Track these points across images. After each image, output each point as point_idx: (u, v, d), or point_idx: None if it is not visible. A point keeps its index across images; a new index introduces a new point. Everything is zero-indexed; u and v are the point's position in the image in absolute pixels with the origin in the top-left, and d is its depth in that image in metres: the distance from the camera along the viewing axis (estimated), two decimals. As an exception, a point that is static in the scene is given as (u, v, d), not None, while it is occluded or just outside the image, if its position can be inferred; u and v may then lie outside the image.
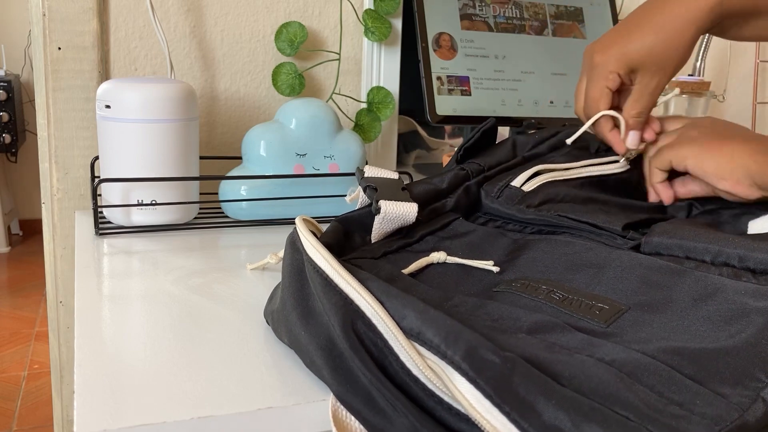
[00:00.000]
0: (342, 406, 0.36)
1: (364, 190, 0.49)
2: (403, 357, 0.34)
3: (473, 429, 0.31)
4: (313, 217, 0.73)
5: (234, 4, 0.84)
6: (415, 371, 0.33)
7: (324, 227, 0.46)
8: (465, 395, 0.31)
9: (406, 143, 1.09)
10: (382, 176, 0.51)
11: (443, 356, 0.32)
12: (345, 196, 0.74)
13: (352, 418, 0.35)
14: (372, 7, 0.87)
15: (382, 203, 0.47)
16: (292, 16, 0.87)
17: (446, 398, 0.33)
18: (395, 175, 0.52)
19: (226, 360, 0.42)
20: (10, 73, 2.89)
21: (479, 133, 0.60)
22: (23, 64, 3.11)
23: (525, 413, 0.29)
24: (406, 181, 0.55)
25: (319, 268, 0.38)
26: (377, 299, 0.36)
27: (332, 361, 0.36)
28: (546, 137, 0.64)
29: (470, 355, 0.31)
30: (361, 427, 0.35)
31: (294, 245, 0.41)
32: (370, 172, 0.51)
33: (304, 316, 0.39)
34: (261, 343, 0.45)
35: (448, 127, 1.13)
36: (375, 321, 0.35)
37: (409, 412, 0.33)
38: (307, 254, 0.39)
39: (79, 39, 0.77)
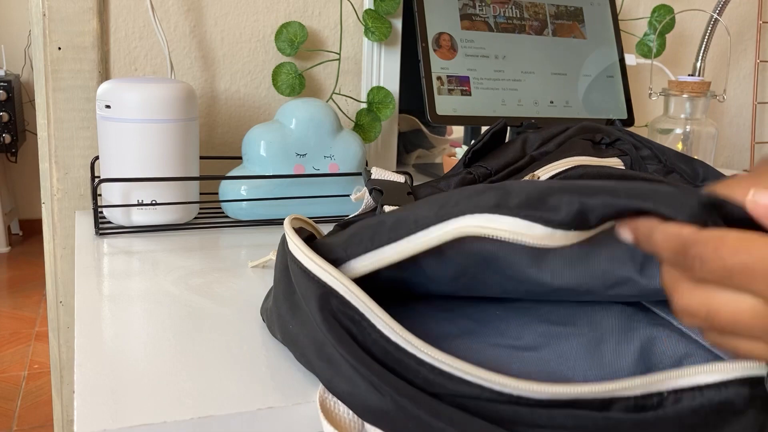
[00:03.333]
0: (329, 395, 0.36)
1: (370, 192, 0.49)
2: (380, 325, 0.34)
3: (457, 386, 0.32)
4: (313, 217, 0.73)
5: (234, 4, 0.84)
6: (393, 337, 0.34)
7: (322, 227, 0.46)
8: None
9: (407, 142, 1.09)
10: (388, 179, 0.51)
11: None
12: (345, 196, 0.74)
13: (340, 406, 0.36)
14: (372, 7, 0.87)
15: (387, 209, 0.47)
16: (292, 16, 0.87)
17: (427, 359, 0.33)
18: (402, 179, 0.52)
19: (226, 360, 0.42)
20: (10, 73, 2.89)
21: (489, 135, 0.59)
22: (23, 64, 3.11)
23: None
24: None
25: (297, 259, 0.38)
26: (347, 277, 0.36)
27: (317, 350, 0.37)
28: (555, 133, 0.63)
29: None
30: (348, 411, 0.35)
31: (282, 242, 0.42)
32: (377, 173, 0.51)
33: (291, 309, 0.40)
34: (261, 343, 0.45)
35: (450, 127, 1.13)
36: (348, 297, 0.36)
37: (392, 387, 0.33)
38: (288, 248, 0.40)
39: (79, 39, 0.77)
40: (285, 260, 0.41)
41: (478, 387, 0.32)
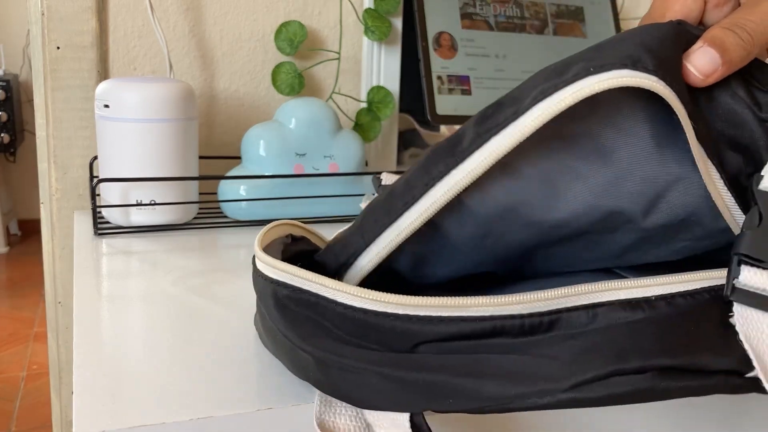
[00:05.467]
0: (326, 410, 0.35)
1: None
2: (335, 295, 0.32)
3: (435, 327, 0.31)
4: (313, 217, 0.73)
5: (233, 3, 0.84)
6: (357, 303, 0.32)
7: (322, 227, 0.46)
8: None
9: (405, 142, 1.09)
10: None
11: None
12: (345, 196, 0.74)
13: (339, 418, 0.35)
14: (372, 6, 0.87)
15: None
16: (292, 15, 0.86)
17: (401, 310, 0.31)
18: None
19: (226, 360, 0.42)
20: (8, 72, 2.89)
21: None
22: (22, 64, 3.10)
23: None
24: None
25: (255, 267, 0.37)
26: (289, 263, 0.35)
27: (294, 357, 0.35)
28: None
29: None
30: (349, 420, 0.34)
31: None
32: (387, 179, 0.51)
33: (264, 328, 0.39)
34: (260, 343, 0.44)
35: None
36: (294, 282, 0.34)
37: (365, 361, 0.32)
38: (254, 265, 0.39)
39: (78, 38, 0.76)
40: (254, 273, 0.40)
41: (458, 321, 0.31)
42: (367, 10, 0.87)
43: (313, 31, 0.88)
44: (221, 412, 0.36)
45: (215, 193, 0.73)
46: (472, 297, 0.31)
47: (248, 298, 0.52)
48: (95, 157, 0.73)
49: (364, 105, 0.90)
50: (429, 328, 0.31)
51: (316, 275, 0.33)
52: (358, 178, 0.75)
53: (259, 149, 0.71)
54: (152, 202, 0.67)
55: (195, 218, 0.72)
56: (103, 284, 0.54)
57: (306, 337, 0.34)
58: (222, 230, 0.71)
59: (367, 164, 0.79)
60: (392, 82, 0.91)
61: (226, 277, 0.56)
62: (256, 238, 0.38)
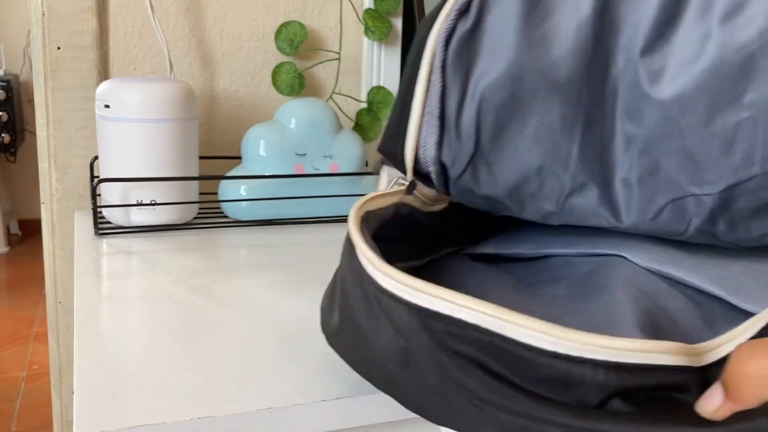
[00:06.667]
0: None
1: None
2: (516, 334, 0.27)
3: (634, 378, 0.27)
4: (313, 218, 0.73)
5: (233, 3, 0.84)
6: (547, 345, 0.26)
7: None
8: None
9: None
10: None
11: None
12: (345, 195, 0.74)
13: None
14: (372, 7, 0.87)
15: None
16: (292, 15, 0.87)
17: (600, 356, 0.26)
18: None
19: (226, 360, 0.42)
20: (9, 72, 2.88)
21: None
22: (22, 64, 3.10)
23: None
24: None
25: (383, 288, 0.31)
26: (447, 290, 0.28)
27: (439, 396, 0.29)
28: None
29: None
30: None
31: (349, 254, 0.34)
32: (389, 172, 0.50)
33: (376, 340, 0.32)
34: (260, 343, 0.45)
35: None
36: (460, 315, 0.28)
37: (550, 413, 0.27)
38: (361, 266, 0.32)
39: (78, 38, 0.76)
40: (358, 279, 0.32)
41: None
42: (367, 10, 0.87)
43: (313, 31, 0.88)
44: (222, 411, 0.36)
45: (215, 193, 0.73)
46: (671, 343, 0.27)
47: (248, 297, 0.52)
48: (96, 157, 0.73)
49: (364, 105, 0.90)
50: (626, 378, 0.27)
51: (494, 307, 0.27)
52: (358, 178, 0.75)
53: (260, 149, 0.71)
54: (152, 202, 0.67)
55: (195, 218, 0.72)
56: (104, 284, 0.54)
57: (464, 379, 0.28)
58: (222, 230, 0.71)
59: (367, 164, 0.79)
60: (392, 82, 0.91)
61: (226, 277, 0.57)
62: (353, 232, 0.33)
